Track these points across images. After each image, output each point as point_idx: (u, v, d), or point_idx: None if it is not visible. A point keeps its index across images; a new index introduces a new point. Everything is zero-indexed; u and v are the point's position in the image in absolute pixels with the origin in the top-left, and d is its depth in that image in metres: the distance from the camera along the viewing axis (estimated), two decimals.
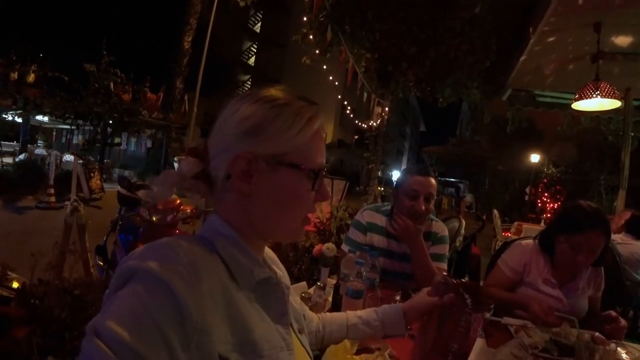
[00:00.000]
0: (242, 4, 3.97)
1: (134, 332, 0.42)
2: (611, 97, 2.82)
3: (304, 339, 0.72)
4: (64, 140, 20.46)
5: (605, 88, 2.79)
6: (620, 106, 3.12)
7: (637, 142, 5.50)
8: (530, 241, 1.67)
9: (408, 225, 1.59)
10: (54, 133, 20.57)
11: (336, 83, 5.52)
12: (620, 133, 3.87)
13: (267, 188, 0.59)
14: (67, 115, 10.15)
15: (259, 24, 25.75)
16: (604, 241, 1.41)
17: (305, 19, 3.88)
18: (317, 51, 4.27)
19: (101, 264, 2.99)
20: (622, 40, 2.92)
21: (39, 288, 1.65)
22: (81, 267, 2.51)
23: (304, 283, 1.44)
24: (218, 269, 0.54)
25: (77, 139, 17.22)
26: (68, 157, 9.78)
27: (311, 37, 4.09)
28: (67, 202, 2.80)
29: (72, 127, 13.52)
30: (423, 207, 1.61)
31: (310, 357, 0.72)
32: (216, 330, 0.49)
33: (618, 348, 1.10)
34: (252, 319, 0.55)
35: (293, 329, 0.69)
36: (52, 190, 7.14)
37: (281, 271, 0.74)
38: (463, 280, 1.00)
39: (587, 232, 1.38)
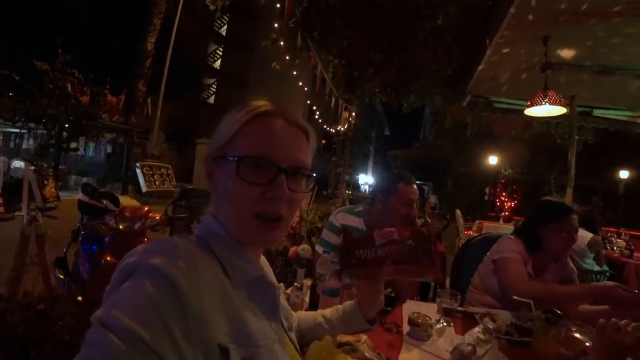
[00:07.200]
0: (212, 7, 3.94)
1: (140, 323, 0.44)
2: (558, 104, 3.08)
3: (293, 336, 0.75)
4: (12, 145, 19.07)
5: (553, 96, 3.05)
6: (566, 112, 3.41)
7: (582, 145, 6.02)
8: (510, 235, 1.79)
9: None
10: (1, 137, 19.13)
11: (305, 88, 5.57)
12: (567, 136, 4.20)
13: (217, 184, 0.63)
14: (17, 118, 9.44)
15: (225, 27, 25.30)
16: None
17: (276, 25, 3.91)
18: (287, 57, 4.31)
19: (61, 277, 2.82)
20: (567, 53, 3.20)
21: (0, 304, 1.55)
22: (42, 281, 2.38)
23: (281, 284, 1.47)
24: (214, 267, 0.57)
25: (28, 144, 16.08)
26: (18, 164, 9.08)
27: (281, 43, 4.13)
28: (17, 213, 2.62)
29: (22, 131, 12.60)
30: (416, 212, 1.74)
31: (299, 354, 0.75)
32: (215, 322, 0.51)
33: (568, 326, 1.22)
34: (246, 313, 0.58)
35: (283, 326, 0.71)
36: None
37: (270, 272, 0.78)
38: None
39: (570, 215, 1.64)
